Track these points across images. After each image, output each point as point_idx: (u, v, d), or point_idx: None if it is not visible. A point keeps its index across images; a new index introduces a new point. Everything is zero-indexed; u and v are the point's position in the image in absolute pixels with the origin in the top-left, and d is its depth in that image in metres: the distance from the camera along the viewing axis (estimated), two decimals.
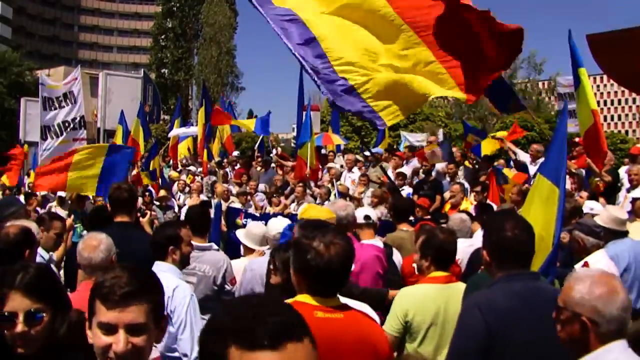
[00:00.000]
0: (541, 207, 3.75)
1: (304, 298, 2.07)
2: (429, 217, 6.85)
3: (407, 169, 10.35)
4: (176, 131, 16.31)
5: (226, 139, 15.96)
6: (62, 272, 4.77)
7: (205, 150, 13.54)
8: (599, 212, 5.34)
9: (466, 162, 10.27)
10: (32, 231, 3.32)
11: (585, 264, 4.13)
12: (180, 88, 45.19)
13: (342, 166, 11.28)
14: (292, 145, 22.87)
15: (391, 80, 5.09)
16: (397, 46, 5.26)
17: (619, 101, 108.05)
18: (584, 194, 7.26)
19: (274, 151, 14.12)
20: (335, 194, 9.02)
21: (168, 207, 10.19)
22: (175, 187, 12.08)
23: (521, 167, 9.01)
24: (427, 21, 5.13)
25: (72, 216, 7.57)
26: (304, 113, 10.93)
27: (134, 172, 11.16)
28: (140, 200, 8.91)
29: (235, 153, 16.11)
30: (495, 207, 6.79)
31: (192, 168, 14.20)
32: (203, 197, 10.61)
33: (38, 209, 9.43)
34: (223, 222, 8.29)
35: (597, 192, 7.27)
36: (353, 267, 3.08)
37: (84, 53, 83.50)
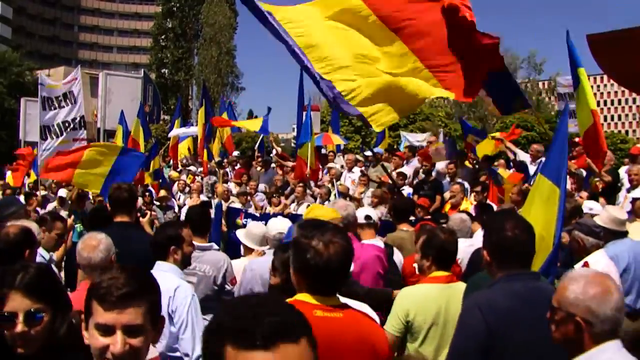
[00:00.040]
0: (542, 207, 3.75)
1: (303, 297, 2.07)
2: (429, 217, 6.85)
3: (407, 169, 10.35)
4: (176, 131, 16.32)
5: (226, 139, 15.95)
6: (62, 272, 4.78)
7: (205, 150, 13.54)
8: (598, 212, 5.35)
9: (466, 162, 10.27)
10: (32, 231, 3.32)
11: (585, 264, 4.13)
12: (180, 88, 45.21)
13: (342, 167, 11.27)
14: (292, 145, 22.88)
15: (386, 84, 5.17)
16: (394, 49, 5.36)
17: (619, 101, 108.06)
18: (584, 194, 7.26)
19: (274, 151, 14.12)
20: (335, 194, 9.02)
21: (168, 207, 10.19)
22: (175, 187, 12.09)
23: (521, 167, 9.01)
24: (415, 27, 5.27)
25: (72, 216, 7.58)
26: (304, 113, 10.93)
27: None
28: (140, 200, 8.92)
29: (235, 153, 16.11)
30: (495, 207, 6.79)
31: (192, 168, 14.21)
32: (203, 197, 10.61)
33: (38, 209, 9.44)
34: (223, 222, 8.29)
35: (596, 192, 7.28)
36: (353, 266, 3.08)
37: (84, 53, 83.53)
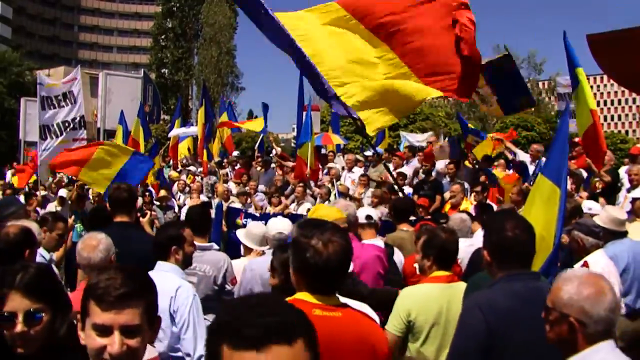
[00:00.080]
0: (542, 207, 3.75)
1: (303, 296, 2.07)
2: (429, 217, 6.85)
3: (407, 169, 10.35)
4: (176, 131, 16.32)
5: (226, 139, 15.96)
6: (62, 271, 4.78)
7: (205, 150, 13.54)
8: (597, 212, 5.36)
9: (466, 162, 10.27)
10: (32, 231, 3.31)
11: (585, 264, 4.14)
12: (180, 88, 45.20)
13: (343, 168, 11.27)
14: (292, 145, 22.87)
15: (382, 87, 5.24)
16: (391, 54, 5.48)
17: (619, 101, 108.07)
18: (584, 194, 7.26)
19: (274, 151, 14.12)
20: (335, 194, 9.03)
21: (168, 207, 10.19)
22: (175, 187, 12.08)
23: (521, 167, 9.02)
24: (401, 33, 5.46)
25: (73, 216, 7.59)
26: (304, 113, 10.93)
27: None
28: (140, 200, 8.92)
29: (235, 153, 16.12)
30: (495, 208, 6.79)
31: (192, 168, 14.22)
32: (203, 197, 10.61)
33: (38, 209, 9.44)
34: (223, 222, 8.29)
35: (595, 192, 7.28)
36: (353, 266, 3.08)
37: (84, 53, 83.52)
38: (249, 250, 4.74)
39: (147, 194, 10.21)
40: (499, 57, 7.51)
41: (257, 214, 8.57)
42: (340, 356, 1.95)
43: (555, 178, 3.72)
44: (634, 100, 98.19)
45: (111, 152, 7.26)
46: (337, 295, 2.14)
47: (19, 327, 1.85)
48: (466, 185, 8.64)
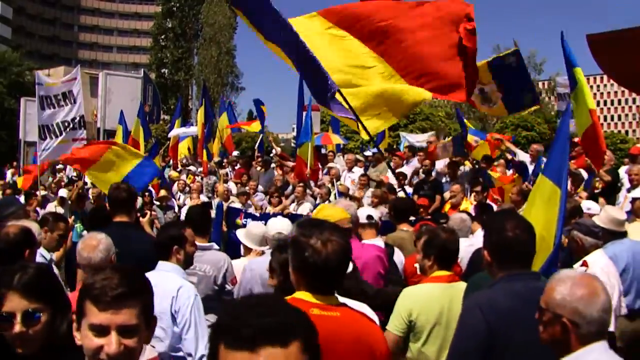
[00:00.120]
0: (543, 207, 3.75)
1: (302, 295, 2.07)
2: (429, 217, 6.85)
3: (407, 169, 10.35)
4: (176, 131, 16.31)
5: (226, 139, 15.96)
6: (62, 271, 4.78)
7: (205, 150, 13.52)
8: (596, 212, 5.36)
9: (466, 162, 10.26)
10: (32, 231, 3.31)
11: (584, 264, 4.14)
12: (180, 88, 45.20)
13: (343, 170, 11.27)
14: (292, 145, 22.86)
15: (381, 90, 5.30)
16: (382, 63, 5.61)
17: (619, 101, 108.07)
18: (584, 194, 7.26)
19: (274, 151, 14.11)
20: (335, 194, 9.02)
21: (168, 207, 10.19)
22: (175, 187, 12.08)
23: (520, 167, 9.01)
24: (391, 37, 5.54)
25: (73, 216, 7.59)
26: (304, 113, 10.91)
27: None
28: (140, 200, 8.91)
29: (235, 153, 16.12)
30: (495, 208, 6.78)
31: (192, 168, 14.21)
32: (203, 197, 10.61)
33: (38, 209, 9.44)
34: (223, 222, 8.29)
35: (594, 192, 7.27)
36: (354, 266, 3.07)
37: (84, 53, 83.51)
38: (248, 250, 4.74)
39: (147, 194, 10.19)
40: (507, 53, 7.51)
41: (257, 214, 8.57)
42: (338, 356, 1.95)
43: (556, 178, 3.72)
44: (634, 100, 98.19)
45: (120, 154, 7.24)
46: (336, 294, 2.14)
47: (17, 328, 1.84)
48: (466, 185, 8.64)
